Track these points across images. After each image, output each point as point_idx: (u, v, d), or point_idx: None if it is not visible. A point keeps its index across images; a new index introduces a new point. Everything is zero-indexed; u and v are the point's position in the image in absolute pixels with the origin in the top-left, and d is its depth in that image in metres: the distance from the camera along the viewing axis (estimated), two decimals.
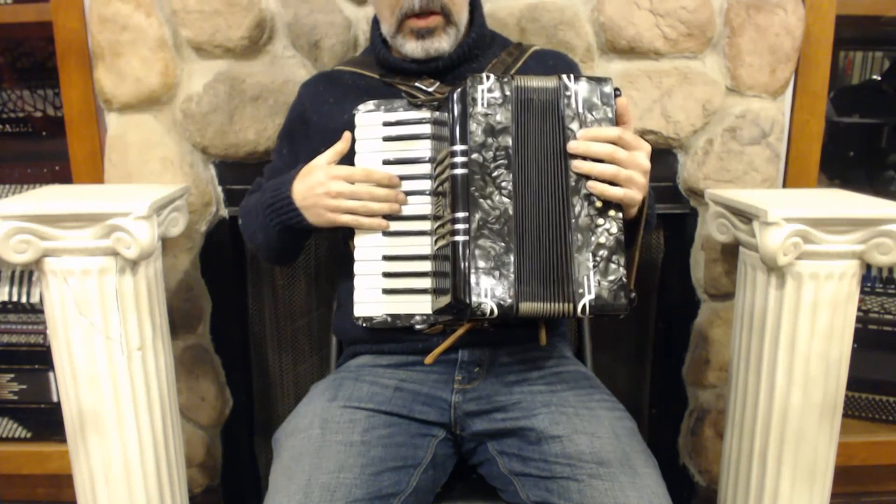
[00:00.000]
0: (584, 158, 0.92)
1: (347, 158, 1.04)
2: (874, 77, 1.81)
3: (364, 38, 1.41)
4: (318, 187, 1.01)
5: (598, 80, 0.93)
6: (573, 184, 0.92)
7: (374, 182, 1.00)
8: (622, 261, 0.93)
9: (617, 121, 0.94)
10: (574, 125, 0.92)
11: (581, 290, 0.91)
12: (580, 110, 0.93)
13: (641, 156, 0.93)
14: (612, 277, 0.92)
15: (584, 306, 0.91)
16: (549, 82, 0.93)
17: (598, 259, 0.92)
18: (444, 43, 1.07)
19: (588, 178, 0.92)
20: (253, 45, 1.39)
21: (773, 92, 1.45)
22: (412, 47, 1.07)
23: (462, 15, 1.08)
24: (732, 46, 1.42)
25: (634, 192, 0.93)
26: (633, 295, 0.94)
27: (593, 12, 1.41)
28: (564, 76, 0.93)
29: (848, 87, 1.81)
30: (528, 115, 0.93)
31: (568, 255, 0.92)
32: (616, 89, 0.93)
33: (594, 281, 0.92)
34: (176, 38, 1.40)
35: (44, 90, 1.68)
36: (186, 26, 1.38)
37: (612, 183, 0.92)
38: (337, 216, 1.01)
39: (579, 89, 0.93)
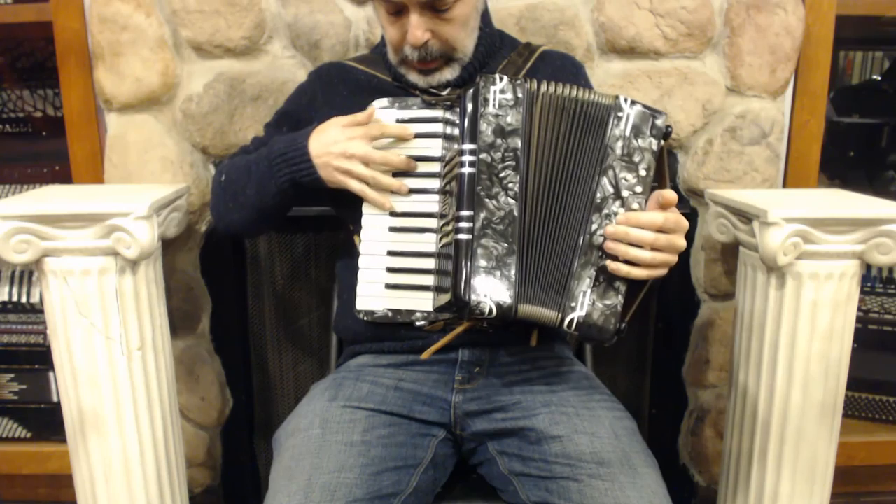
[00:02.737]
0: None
1: None
2: (874, 77, 1.81)
3: (364, 37, 1.41)
4: (334, 145, 1.00)
5: (654, 112, 0.94)
6: (598, 201, 0.92)
7: (389, 135, 1.00)
8: (624, 290, 0.93)
9: (660, 181, 0.93)
10: (618, 146, 0.93)
11: (573, 304, 0.92)
12: (627, 133, 0.93)
13: (680, 239, 0.92)
14: (608, 302, 0.92)
15: (571, 321, 0.92)
16: (604, 98, 0.93)
17: (599, 280, 0.92)
18: (446, 75, 1.05)
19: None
20: (253, 45, 1.39)
21: (773, 92, 1.45)
22: (415, 78, 1.06)
23: (466, 51, 1.06)
24: (732, 46, 1.42)
25: (661, 271, 0.93)
26: (624, 326, 0.93)
27: (593, 12, 1.41)
28: (622, 97, 0.93)
29: (848, 87, 1.81)
30: (570, 123, 0.94)
31: (571, 265, 0.92)
32: (668, 126, 0.93)
33: (589, 299, 0.92)
34: (176, 38, 1.40)
35: (44, 90, 1.68)
36: (186, 26, 1.38)
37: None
38: (347, 179, 1.00)
39: (633, 113, 0.93)
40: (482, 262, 0.90)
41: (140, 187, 1.36)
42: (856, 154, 1.82)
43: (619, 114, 0.93)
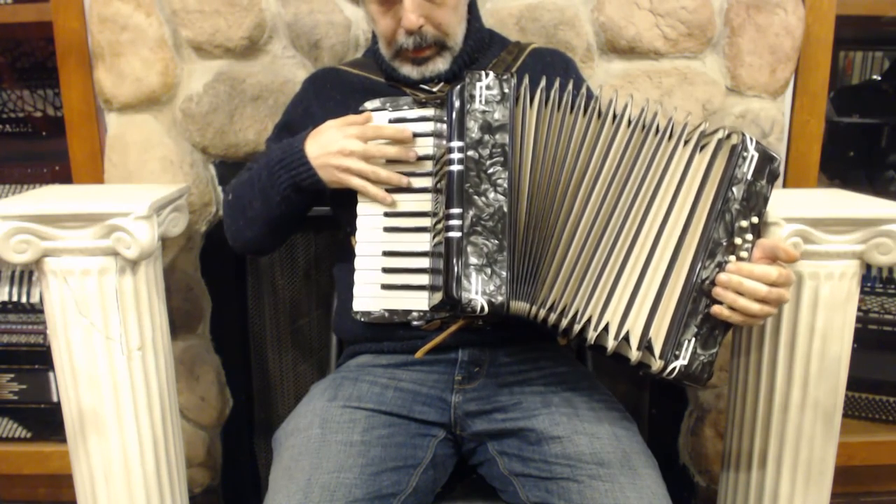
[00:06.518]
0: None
1: None
2: (874, 77, 1.81)
3: (364, 38, 1.41)
4: (331, 145, 1.00)
5: (771, 155, 0.91)
6: (711, 245, 0.89)
7: (385, 136, 1.00)
8: (721, 339, 0.91)
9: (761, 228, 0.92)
10: (739, 189, 0.89)
11: (678, 352, 0.89)
12: (749, 177, 0.90)
13: (787, 293, 0.90)
14: (709, 351, 0.90)
15: (673, 369, 0.89)
16: (726, 134, 0.91)
17: (703, 329, 0.90)
18: (439, 65, 1.07)
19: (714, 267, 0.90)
20: (253, 45, 1.39)
21: (773, 92, 1.45)
22: (408, 70, 1.08)
23: (457, 38, 1.07)
24: (732, 46, 1.42)
25: (759, 321, 0.91)
26: (712, 374, 0.91)
27: (593, 12, 1.41)
28: (747, 135, 0.90)
29: (848, 87, 1.81)
30: (592, 126, 0.94)
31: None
32: (779, 173, 0.92)
33: (692, 348, 0.89)
34: (176, 38, 1.40)
35: (44, 90, 1.68)
36: (186, 26, 1.38)
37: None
38: (347, 177, 1.00)
39: (757, 156, 0.90)
40: (473, 260, 0.90)
41: (140, 187, 1.36)
42: (856, 154, 1.82)
43: (745, 153, 0.89)
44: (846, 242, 1.18)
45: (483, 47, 1.14)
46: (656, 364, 0.89)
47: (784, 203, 1.20)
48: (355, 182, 1.00)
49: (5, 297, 1.69)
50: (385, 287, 1.02)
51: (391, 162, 1.01)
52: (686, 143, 0.92)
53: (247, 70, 1.40)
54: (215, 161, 1.46)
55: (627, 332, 0.89)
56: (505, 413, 1.02)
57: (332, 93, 1.14)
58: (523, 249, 0.94)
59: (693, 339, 0.89)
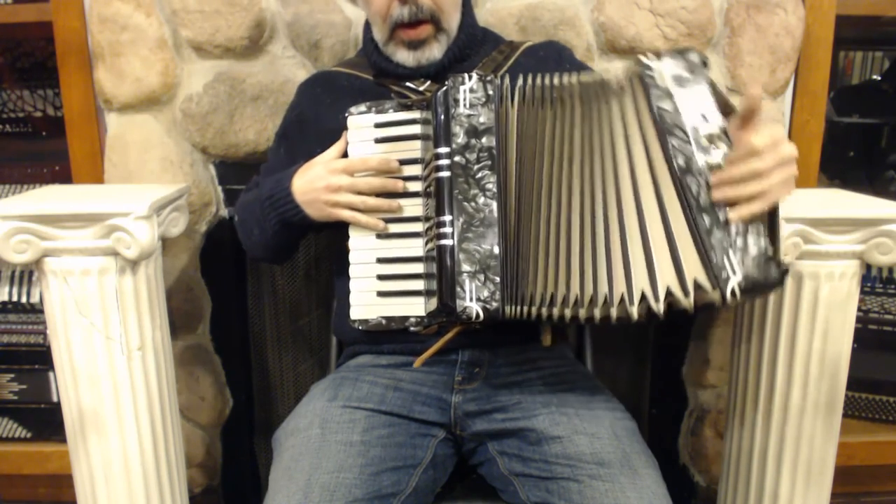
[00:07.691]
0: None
1: None
2: (874, 77, 1.81)
3: None
4: (317, 181, 1.01)
5: (681, 51, 0.85)
6: (683, 160, 0.82)
7: (371, 168, 1.00)
8: (763, 230, 0.83)
9: (726, 109, 0.86)
10: (667, 103, 0.83)
11: (726, 274, 0.80)
12: (671, 87, 0.84)
13: (786, 147, 0.82)
14: (755, 251, 0.82)
15: (732, 290, 0.80)
16: (626, 72, 0.86)
17: (733, 236, 0.82)
18: (435, 51, 1.07)
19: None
20: (253, 45, 1.39)
21: (773, 92, 1.44)
22: (404, 56, 1.07)
23: (452, 21, 1.08)
24: (732, 46, 1.42)
25: (787, 189, 0.84)
26: (785, 266, 0.84)
27: (593, 12, 1.41)
28: (642, 56, 0.84)
29: (848, 87, 1.81)
30: (563, 111, 0.90)
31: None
32: (704, 56, 0.85)
33: (737, 261, 0.80)
34: (176, 38, 1.40)
35: (44, 90, 1.68)
36: (186, 26, 1.38)
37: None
38: (336, 210, 1.01)
39: (664, 65, 0.84)
40: (466, 267, 0.89)
41: (140, 187, 1.36)
42: (856, 154, 1.82)
43: (650, 73, 0.85)
44: (846, 242, 1.18)
45: (475, 44, 1.13)
46: (715, 295, 0.80)
47: (784, 203, 1.20)
48: (345, 214, 1.01)
49: (5, 297, 1.69)
50: (381, 294, 1.02)
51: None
52: (616, 96, 0.88)
53: (247, 70, 1.40)
54: (215, 161, 1.46)
55: (668, 288, 0.82)
56: (505, 413, 1.02)
57: (322, 96, 1.15)
58: (516, 251, 0.93)
59: (730, 251, 0.82)
